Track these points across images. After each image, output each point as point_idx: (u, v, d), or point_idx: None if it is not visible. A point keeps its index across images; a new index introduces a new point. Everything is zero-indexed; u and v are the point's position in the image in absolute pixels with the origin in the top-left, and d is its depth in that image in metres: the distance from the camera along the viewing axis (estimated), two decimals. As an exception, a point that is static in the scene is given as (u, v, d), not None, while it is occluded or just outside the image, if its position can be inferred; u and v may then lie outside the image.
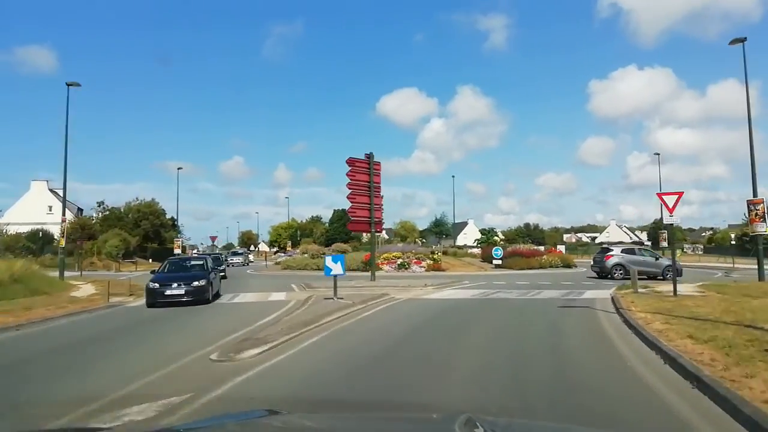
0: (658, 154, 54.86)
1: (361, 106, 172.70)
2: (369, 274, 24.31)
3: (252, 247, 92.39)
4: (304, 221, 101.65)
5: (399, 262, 35.41)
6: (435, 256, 36.26)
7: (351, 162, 23.57)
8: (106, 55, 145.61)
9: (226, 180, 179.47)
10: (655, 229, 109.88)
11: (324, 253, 46.33)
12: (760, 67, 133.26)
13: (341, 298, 15.00)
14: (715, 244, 57.03)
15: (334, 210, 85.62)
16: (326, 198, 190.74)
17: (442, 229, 62.05)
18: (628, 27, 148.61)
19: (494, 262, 36.88)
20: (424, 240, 61.11)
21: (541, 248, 48.15)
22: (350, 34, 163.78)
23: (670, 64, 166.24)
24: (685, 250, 53.87)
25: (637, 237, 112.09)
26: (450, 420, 1.78)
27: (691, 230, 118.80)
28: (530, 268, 36.04)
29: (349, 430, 2.15)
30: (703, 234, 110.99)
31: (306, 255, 42.86)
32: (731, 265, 38.61)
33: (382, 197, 24.79)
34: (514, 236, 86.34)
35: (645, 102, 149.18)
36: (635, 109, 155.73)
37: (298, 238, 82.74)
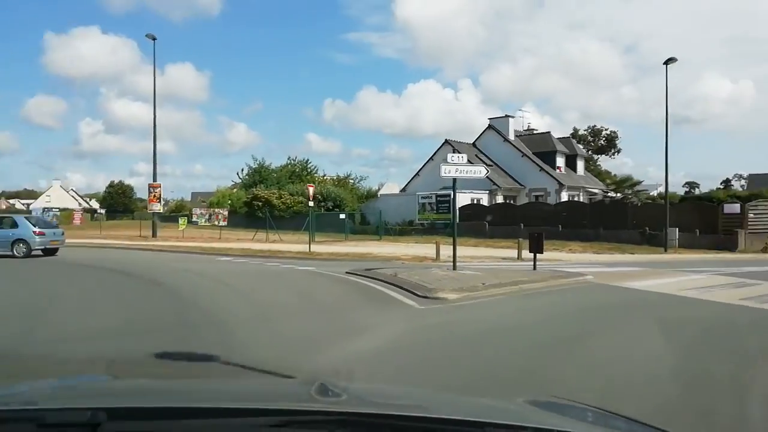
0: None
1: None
2: None
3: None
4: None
5: None
6: None
7: None
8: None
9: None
10: (111, 195, 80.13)
11: None
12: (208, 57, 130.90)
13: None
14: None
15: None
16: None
17: None
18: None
19: None
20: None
21: None
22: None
23: (135, 37, 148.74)
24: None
25: (88, 204, 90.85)
26: (306, 384, 1.69)
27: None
28: None
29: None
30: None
31: None
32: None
33: None
34: None
35: (106, 68, 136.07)
36: (94, 74, 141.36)
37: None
